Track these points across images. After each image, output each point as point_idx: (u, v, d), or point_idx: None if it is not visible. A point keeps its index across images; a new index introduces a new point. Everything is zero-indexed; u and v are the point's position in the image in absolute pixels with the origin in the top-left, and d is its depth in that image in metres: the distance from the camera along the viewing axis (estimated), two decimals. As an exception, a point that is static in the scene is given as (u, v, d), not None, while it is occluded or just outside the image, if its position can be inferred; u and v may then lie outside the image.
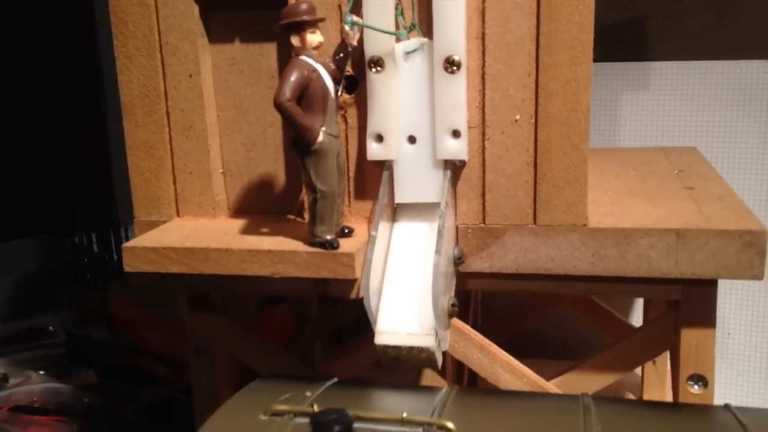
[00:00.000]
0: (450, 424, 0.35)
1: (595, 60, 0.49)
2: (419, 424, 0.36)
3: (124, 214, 1.23)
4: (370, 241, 0.49)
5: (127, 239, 1.20)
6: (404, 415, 0.36)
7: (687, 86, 0.81)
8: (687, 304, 0.51)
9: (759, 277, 0.48)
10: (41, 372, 0.90)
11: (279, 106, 0.45)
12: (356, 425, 0.35)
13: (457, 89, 0.49)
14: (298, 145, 0.47)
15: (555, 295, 0.79)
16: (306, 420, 0.36)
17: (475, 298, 0.80)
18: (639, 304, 0.86)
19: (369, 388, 0.41)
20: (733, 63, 0.79)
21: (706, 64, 0.80)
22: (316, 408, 0.36)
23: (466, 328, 0.54)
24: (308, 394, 0.39)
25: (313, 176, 0.47)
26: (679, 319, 0.52)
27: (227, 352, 0.60)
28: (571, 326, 0.86)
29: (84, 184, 1.34)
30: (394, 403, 0.38)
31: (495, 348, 0.54)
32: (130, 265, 0.50)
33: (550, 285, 0.54)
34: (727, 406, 0.38)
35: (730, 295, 0.85)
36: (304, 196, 0.55)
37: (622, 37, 0.83)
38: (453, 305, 0.50)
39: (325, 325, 0.86)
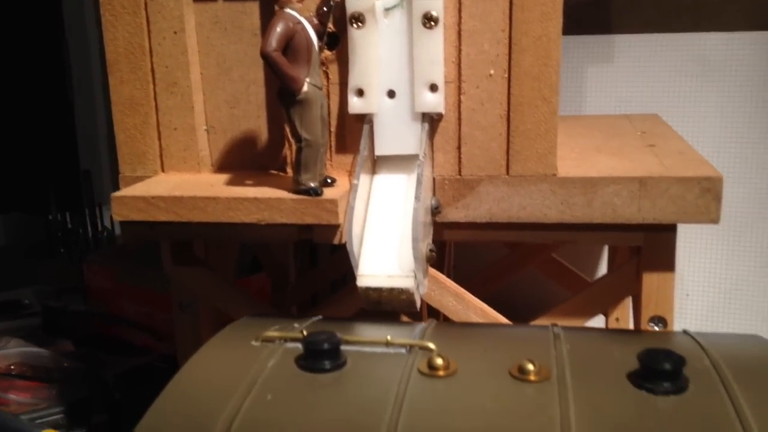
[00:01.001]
0: (431, 345, 0.38)
1: (563, 34, 0.52)
2: (402, 345, 0.39)
3: (98, 193, 1.24)
4: (352, 189, 0.51)
5: (101, 216, 1.20)
6: (388, 338, 0.39)
7: (648, 58, 0.85)
8: (648, 249, 0.55)
9: (715, 221, 0.52)
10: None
11: (265, 56, 0.46)
12: (343, 347, 0.38)
13: (435, 44, 0.51)
14: (284, 95, 0.48)
15: (524, 254, 0.82)
16: (296, 345, 0.38)
17: (448, 263, 0.83)
18: (603, 265, 0.90)
19: (353, 322, 0.44)
20: (691, 35, 0.83)
21: (667, 36, 0.84)
22: (305, 334, 0.38)
23: (442, 276, 0.57)
24: (296, 325, 0.41)
25: (298, 125, 0.49)
26: (640, 264, 0.55)
27: (211, 305, 0.61)
28: (538, 289, 0.89)
29: (56, 164, 1.34)
30: (377, 332, 0.41)
31: (469, 295, 0.57)
32: (119, 213, 0.52)
33: (522, 234, 0.57)
34: (685, 331, 0.41)
35: (689, 258, 0.90)
36: (287, 151, 0.57)
37: (587, 13, 0.87)
38: (431, 250, 0.53)
39: (302, 290, 0.88)
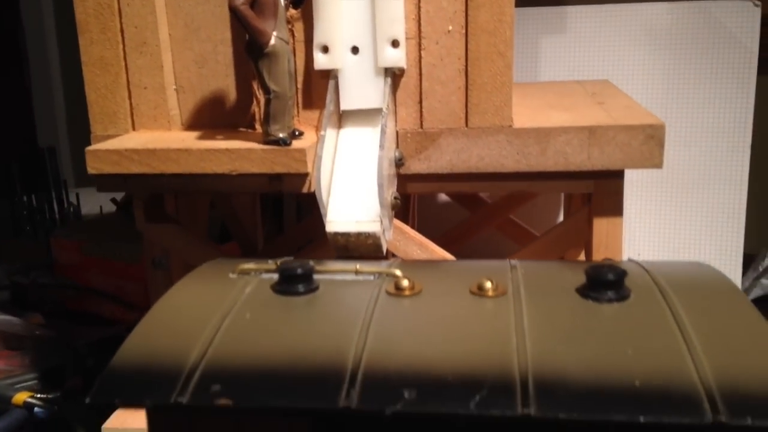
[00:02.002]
0: (398, 272, 0.41)
1: (517, 6, 0.55)
2: (371, 273, 0.41)
3: (63, 172, 1.24)
4: (320, 140, 0.53)
5: (67, 195, 1.20)
6: (357, 266, 0.42)
7: (599, 28, 0.89)
8: (598, 195, 0.58)
9: (659, 165, 0.56)
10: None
11: (234, 9, 0.49)
12: (315, 276, 0.40)
13: (396, 1, 0.54)
14: (252, 48, 0.51)
15: (483, 216, 0.86)
16: (271, 275, 0.41)
17: (411, 222, 0.86)
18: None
19: (323, 260, 0.46)
20: (638, 5, 0.88)
21: (616, 6, 0.88)
22: (279, 264, 0.41)
23: (406, 227, 0.60)
24: (270, 261, 0.43)
25: (266, 78, 0.51)
26: (591, 211, 0.59)
27: (183, 261, 0.63)
28: (497, 250, 0.93)
29: (15, 143, 1.33)
30: (347, 265, 0.43)
31: (433, 245, 0.60)
32: (93, 167, 0.53)
33: (482, 185, 0.60)
34: (630, 259, 0.45)
35: (640, 219, 0.94)
36: (255, 108, 0.59)
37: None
38: (395, 198, 0.56)
39: (270, 256, 0.90)
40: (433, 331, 0.36)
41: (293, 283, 0.39)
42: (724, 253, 0.95)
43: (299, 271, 0.39)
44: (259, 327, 0.36)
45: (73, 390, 0.77)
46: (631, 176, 0.92)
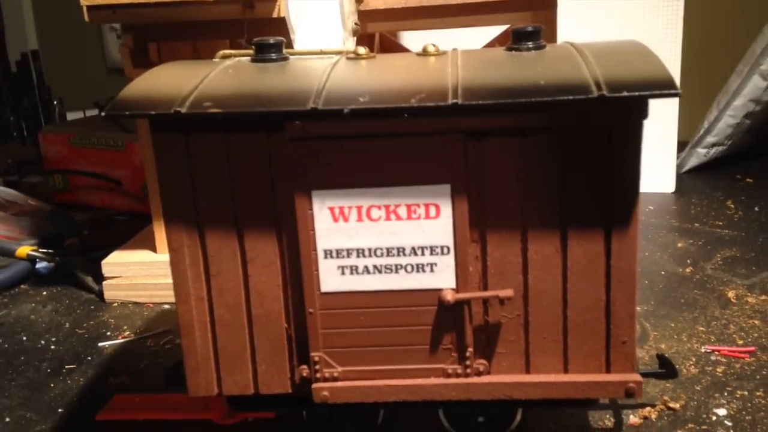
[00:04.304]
0: (359, 49, 0.48)
1: None
2: (333, 53, 0.49)
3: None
4: (287, -30, 0.60)
5: (50, 97, 1.26)
6: (321, 49, 0.49)
7: None
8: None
9: (584, -9, 0.64)
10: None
11: None
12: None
13: None
14: None
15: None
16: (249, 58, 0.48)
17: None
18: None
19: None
20: None
21: None
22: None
23: (368, 63, 0.67)
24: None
25: None
26: (531, 41, 0.67)
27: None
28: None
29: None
30: (312, 50, 0.51)
31: (392, 79, 0.68)
32: (85, -1, 0.60)
33: (434, 23, 0.68)
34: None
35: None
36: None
37: None
38: (356, 23, 0.63)
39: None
40: (384, 72, 0.43)
41: (267, 51, 0.46)
42: (659, 127, 1.04)
43: (272, 41, 0.46)
44: (240, 75, 0.43)
45: (72, 247, 0.85)
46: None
